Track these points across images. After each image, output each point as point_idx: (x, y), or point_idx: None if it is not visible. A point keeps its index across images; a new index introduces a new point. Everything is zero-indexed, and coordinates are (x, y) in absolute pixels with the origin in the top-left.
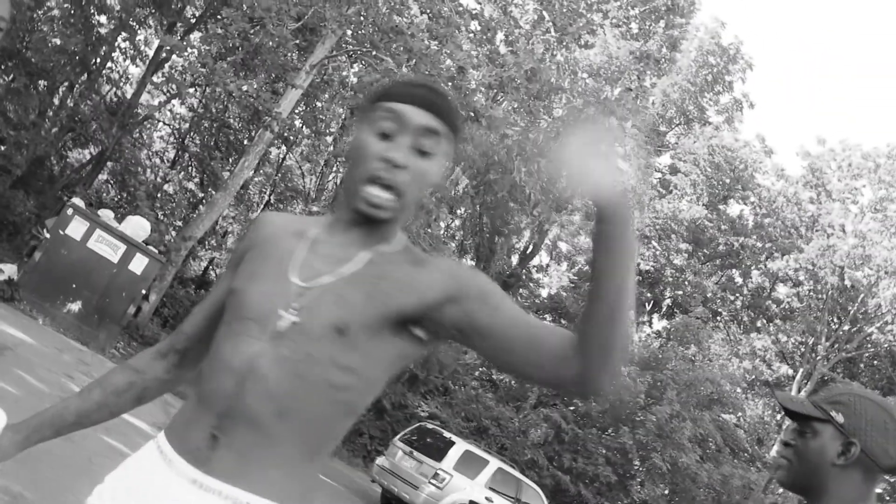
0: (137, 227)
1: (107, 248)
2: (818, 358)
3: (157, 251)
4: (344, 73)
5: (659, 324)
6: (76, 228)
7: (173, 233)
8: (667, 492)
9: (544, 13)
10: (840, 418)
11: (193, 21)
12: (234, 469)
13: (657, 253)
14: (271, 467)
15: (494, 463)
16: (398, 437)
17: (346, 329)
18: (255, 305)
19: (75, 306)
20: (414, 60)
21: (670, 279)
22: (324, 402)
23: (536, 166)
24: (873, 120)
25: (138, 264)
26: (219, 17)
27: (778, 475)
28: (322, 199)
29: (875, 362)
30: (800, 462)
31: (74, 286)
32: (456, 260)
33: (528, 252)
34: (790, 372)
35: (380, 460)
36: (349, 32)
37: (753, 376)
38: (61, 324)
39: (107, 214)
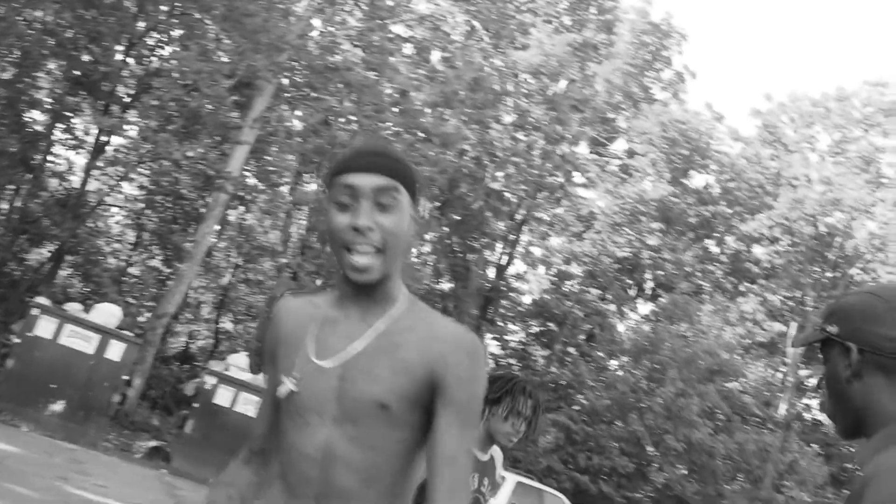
0: (107, 314)
1: (80, 341)
2: (808, 309)
3: (132, 334)
4: (287, 123)
5: (645, 308)
6: (45, 327)
7: (146, 313)
8: (686, 471)
9: (474, 23)
10: (833, 328)
11: (129, 99)
12: None
13: (631, 239)
14: None
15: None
16: None
17: (388, 406)
18: (305, 398)
19: (58, 406)
20: (355, 94)
21: (649, 261)
22: (395, 459)
23: (514, 168)
24: (818, 66)
25: (115, 351)
26: (152, 89)
27: (835, 429)
28: (288, 251)
29: None
30: (828, 398)
31: (54, 386)
32: (462, 332)
33: (503, 263)
34: (783, 328)
35: None
36: (285, 80)
37: (749, 340)
38: (47, 427)
39: (74, 307)
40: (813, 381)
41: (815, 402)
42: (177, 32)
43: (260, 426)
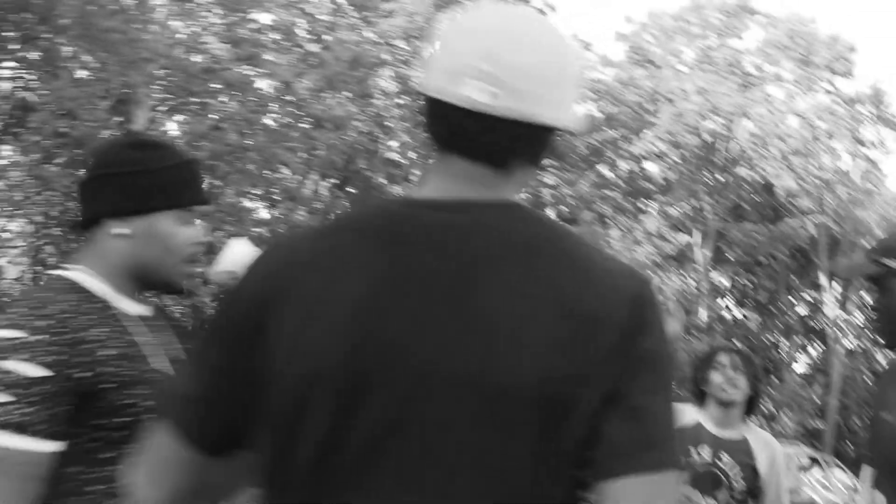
0: None
1: None
2: (707, 215)
3: None
4: (171, 131)
5: None
6: None
7: None
8: None
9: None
10: (895, 263)
11: None
12: None
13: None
14: None
15: None
16: None
17: None
18: None
19: None
20: (237, 92)
21: (550, 199)
22: None
23: (407, 136)
24: None
25: None
26: (28, 126)
27: (885, 342)
28: None
29: (752, 195)
30: (888, 318)
31: None
32: None
33: None
34: (688, 238)
35: None
36: (160, 90)
37: (658, 255)
38: None
39: None
40: (726, 284)
41: (731, 303)
42: (33, 55)
43: None
